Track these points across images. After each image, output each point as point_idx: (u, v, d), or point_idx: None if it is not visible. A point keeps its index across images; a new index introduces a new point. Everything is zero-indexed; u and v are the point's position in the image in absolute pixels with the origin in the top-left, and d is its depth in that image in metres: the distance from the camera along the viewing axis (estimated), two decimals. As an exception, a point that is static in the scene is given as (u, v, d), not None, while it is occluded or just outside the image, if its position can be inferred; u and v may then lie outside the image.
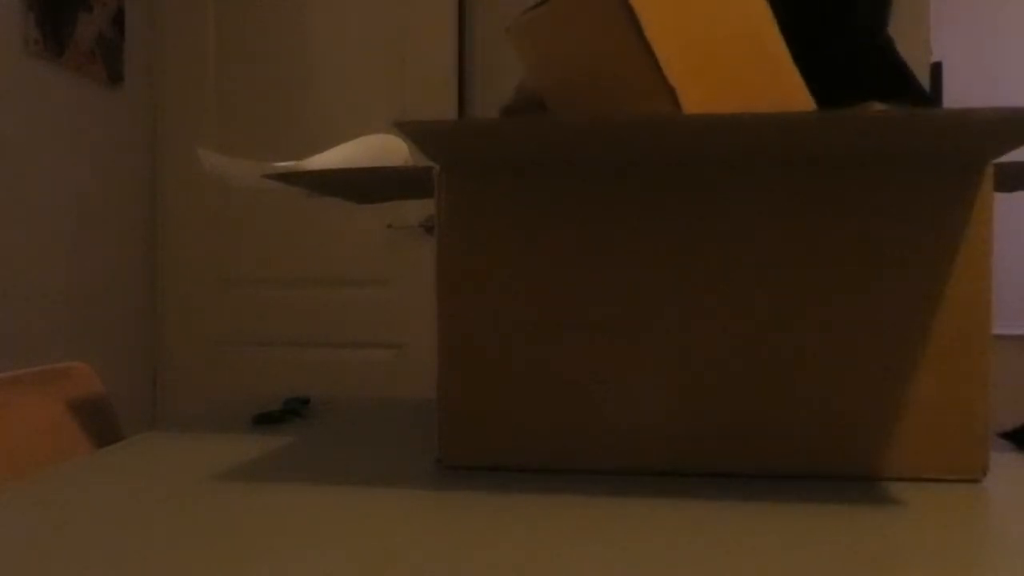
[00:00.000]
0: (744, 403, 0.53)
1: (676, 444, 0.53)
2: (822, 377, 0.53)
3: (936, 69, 2.59)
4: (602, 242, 0.53)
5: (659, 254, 0.53)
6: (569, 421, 0.53)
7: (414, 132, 0.45)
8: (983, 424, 0.52)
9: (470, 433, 0.54)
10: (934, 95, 2.37)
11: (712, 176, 0.53)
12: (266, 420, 0.75)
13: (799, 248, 0.53)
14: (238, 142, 2.28)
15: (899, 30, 2.20)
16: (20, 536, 0.41)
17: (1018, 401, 2.58)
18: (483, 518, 0.44)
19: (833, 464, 0.53)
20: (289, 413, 0.79)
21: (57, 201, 1.97)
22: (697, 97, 0.54)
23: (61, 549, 0.39)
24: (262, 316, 2.31)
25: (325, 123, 2.26)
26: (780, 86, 0.64)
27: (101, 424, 0.88)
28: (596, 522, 0.43)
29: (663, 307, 0.53)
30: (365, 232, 2.26)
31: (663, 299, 0.53)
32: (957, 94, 2.76)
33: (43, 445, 0.79)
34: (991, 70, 2.78)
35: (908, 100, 0.69)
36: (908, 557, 0.38)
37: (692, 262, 0.53)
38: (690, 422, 0.53)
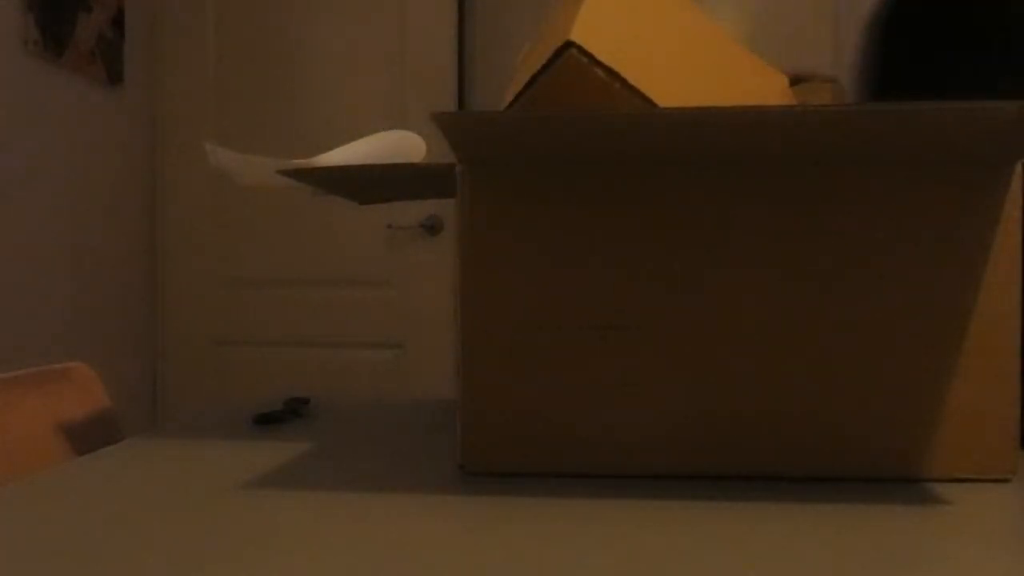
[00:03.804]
0: (773, 406, 0.53)
1: (706, 447, 0.53)
2: (850, 379, 0.52)
3: (936, 69, 2.58)
4: (631, 243, 0.53)
5: (689, 254, 0.53)
6: (595, 425, 0.53)
7: (449, 124, 0.45)
8: (1013, 424, 0.52)
9: (493, 439, 0.54)
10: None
11: (739, 175, 0.53)
12: (267, 420, 0.75)
13: (825, 249, 0.52)
14: (238, 142, 2.28)
15: (899, 30, 2.19)
16: (15, 539, 0.41)
17: None
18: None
19: (861, 466, 0.53)
20: (290, 413, 0.79)
21: (57, 201, 1.97)
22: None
23: (59, 552, 0.39)
24: (262, 316, 2.30)
25: (325, 123, 2.26)
26: (765, 85, 0.64)
27: (101, 425, 0.87)
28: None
29: (694, 309, 0.53)
30: (365, 232, 2.26)
31: (693, 301, 0.53)
32: (957, 94, 2.75)
33: (43, 446, 0.79)
34: (991, 70, 2.78)
35: None
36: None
37: (722, 263, 0.53)
38: (720, 425, 0.53)
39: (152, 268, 2.35)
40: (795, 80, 0.81)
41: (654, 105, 0.49)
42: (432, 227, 2.23)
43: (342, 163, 0.68)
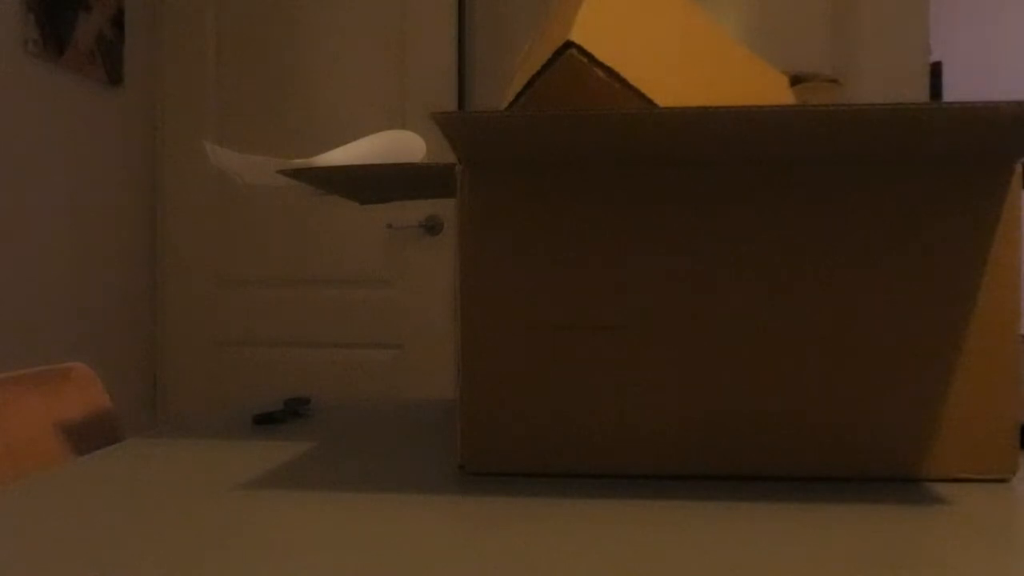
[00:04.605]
0: (773, 406, 0.53)
1: (705, 447, 0.53)
2: (850, 379, 0.52)
3: (936, 69, 2.59)
4: (630, 242, 0.53)
5: (689, 254, 0.53)
6: (595, 425, 0.53)
7: (449, 124, 0.45)
8: (1013, 424, 0.52)
9: (493, 439, 0.54)
10: (934, 95, 2.37)
11: (739, 175, 0.53)
12: (267, 420, 0.75)
13: (824, 249, 0.52)
14: (238, 142, 2.28)
15: (899, 30, 2.20)
16: (15, 539, 0.41)
17: None
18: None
19: (860, 465, 0.53)
20: (290, 413, 0.78)
21: (57, 201, 1.97)
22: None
23: (59, 552, 0.39)
24: (262, 316, 2.30)
25: (325, 123, 2.26)
26: (765, 85, 0.64)
27: (101, 425, 0.87)
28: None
29: (692, 309, 0.53)
30: (365, 232, 2.26)
31: (692, 301, 0.53)
32: (957, 94, 2.76)
33: (43, 446, 0.79)
34: (991, 70, 2.78)
35: None
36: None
37: (721, 262, 0.53)
38: (720, 425, 0.53)
39: (152, 268, 2.35)
40: (795, 80, 0.81)
41: (654, 105, 0.49)
42: (432, 227, 2.23)
43: (342, 163, 0.68)
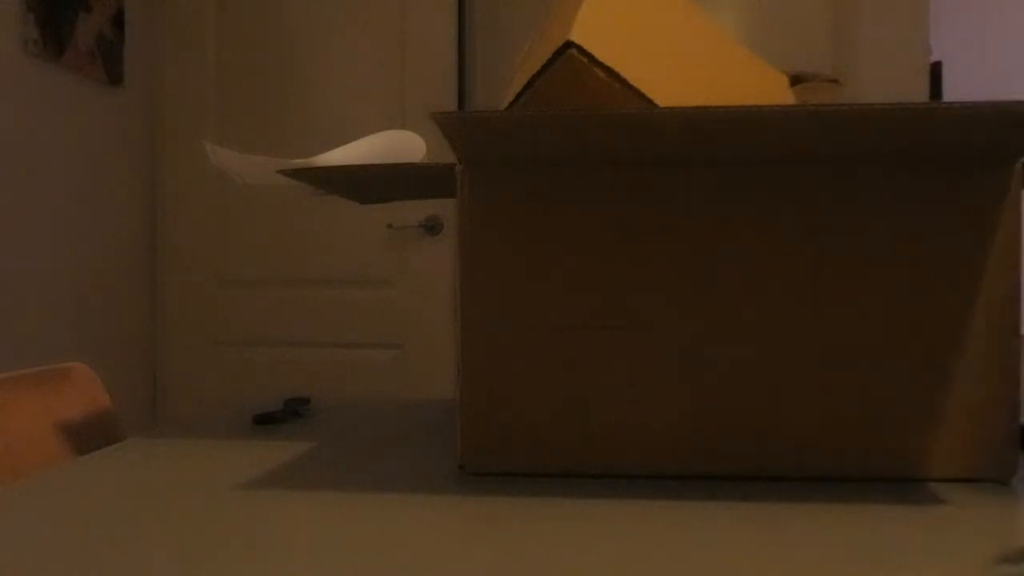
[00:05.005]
0: (773, 406, 0.53)
1: (706, 447, 0.53)
2: (850, 379, 0.52)
3: (936, 69, 2.59)
4: (630, 242, 0.53)
5: (689, 254, 0.53)
6: (595, 425, 0.53)
7: (449, 124, 0.45)
8: (1013, 424, 0.52)
9: (493, 439, 0.54)
10: (934, 95, 2.37)
11: (739, 175, 0.53)
12: (267, 420, 0.75)
13: (824, 249, 0.52)
14: (238, 142, 2.28)
15: (899, 30, 2.20)
16: (15, 539, 0.41)
17: None
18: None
19: (860, 465, 0.53)
20: (290, 413, 0.78)
21: (57, 201, 1.97)
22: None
23: (60, 551, 0.39)
24: (262, 316, 2.30)
25: (325, 123, 2.26)
26: (765, 85, 0.64)
27: (101, 425, 0.87)
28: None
29: (693, 309, 0.53)
30: (365, 232, 2.26)
31: (693, 301, 0.53)
32: (957, 94, 2.76)
33: (43, 446, 0.79)
34: (991, 70, 2.78)
35: None
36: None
37: (721, 262, 0.53)
38: (720, 425, 0.53)
39: (152, 268, 2.35)
40: (795, 80, 0.81)
41: (654, 105, 0.49)
42: (432, 227, 2.23)
43: (342, 163, 0.68)
